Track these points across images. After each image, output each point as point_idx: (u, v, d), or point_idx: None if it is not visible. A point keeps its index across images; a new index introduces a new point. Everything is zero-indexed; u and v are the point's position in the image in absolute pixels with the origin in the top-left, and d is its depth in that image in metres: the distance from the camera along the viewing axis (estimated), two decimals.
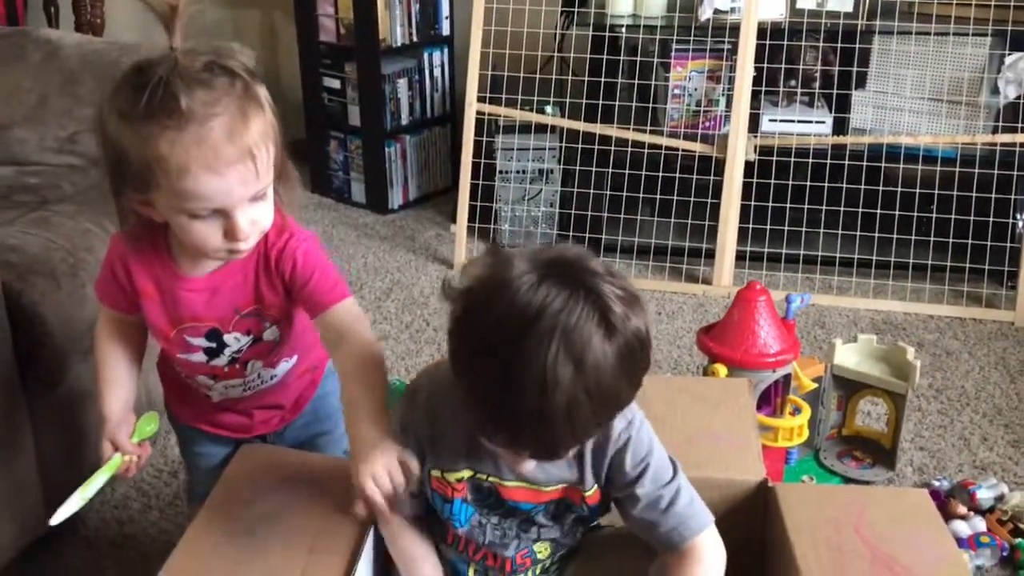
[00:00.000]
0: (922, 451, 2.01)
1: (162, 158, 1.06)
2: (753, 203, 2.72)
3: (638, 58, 2.75)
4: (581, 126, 2.78)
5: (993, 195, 2.59)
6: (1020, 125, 2.61)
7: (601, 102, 2.76)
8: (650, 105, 2.79)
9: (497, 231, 2.98)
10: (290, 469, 1.32)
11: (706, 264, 2.79)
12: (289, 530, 1.18)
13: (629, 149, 2.77)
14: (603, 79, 2.77)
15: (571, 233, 2.86)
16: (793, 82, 2.83)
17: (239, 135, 1.07)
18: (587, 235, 2.84)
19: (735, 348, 1.67)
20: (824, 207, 2.68)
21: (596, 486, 1.17)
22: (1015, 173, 2.64)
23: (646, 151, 2.76)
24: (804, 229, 2.71)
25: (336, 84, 3.28)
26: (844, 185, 2.66)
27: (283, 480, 1.28)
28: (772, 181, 2.71)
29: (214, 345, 1.28)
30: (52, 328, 1.57)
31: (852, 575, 1.15)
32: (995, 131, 2.67)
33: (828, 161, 2.70)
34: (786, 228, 2.71)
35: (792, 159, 2.71)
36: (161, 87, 1.06)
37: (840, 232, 2.69)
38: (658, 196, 2.76)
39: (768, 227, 2.72)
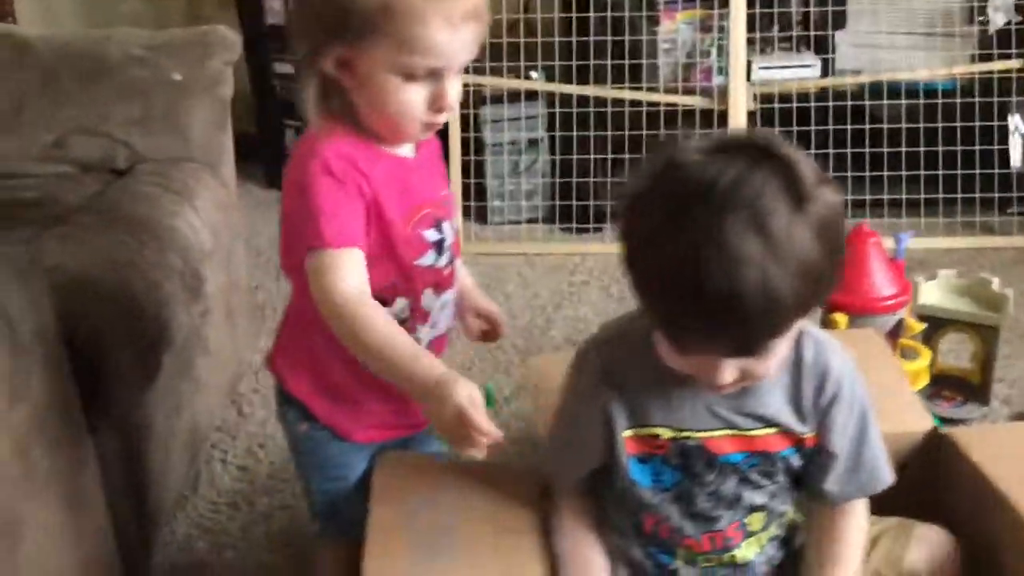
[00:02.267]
0: (1000, 382, 1.98)
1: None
2: None
3: (611, 13, 2.63)
4: (574, 89, 2.65)
5: (975, 124, 2.59)
6: (1008, 52, 2.62)
7: (587, 62, 2.64)
8: (644, 61, 2.68)
9: (487, 207, 2.83)
10: (432, 475, 1.22)
11: None
12: (470, 545, 1.09)
13: (627, 109, 2.66)
14: (574, 38, 2.64)
15: (573, 202, 2.74)
16: (777, 27, 2.77)
17: None
18: (590, 203, 2.71)
19: (855, 294, 1.59)
20: (830, 150, 2.63)
21: (812, 429, 1.07)
22: (1014, 99, 2.64)
23: (644, 110, 2.65)
24: None
25: (288, 69, 3.05)
26: (848, 127, 2.62)
27: (435, 488, 1.19)
28: (776, 129, 2.64)
29: (440, 237, 1.16)
30: (118, 354, 1.36)
31: None
32: (976, 59, 2.67)
33: (830, 103, 2.65)
34: None
35: (795, 104, 2.65)
36: None
37: (848, 174, 2.64)
38: None
39: None
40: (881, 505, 1.16)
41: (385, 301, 1.12)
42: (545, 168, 2.82)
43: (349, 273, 1.04)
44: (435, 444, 1.32)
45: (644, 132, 2.66)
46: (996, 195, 2.66)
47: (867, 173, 2.66)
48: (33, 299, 1.20)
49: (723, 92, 2.66)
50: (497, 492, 1.20)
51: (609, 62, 2.64)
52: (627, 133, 2.67)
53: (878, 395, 1.37)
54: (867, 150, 2.64)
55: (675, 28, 2.69)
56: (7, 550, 1.13)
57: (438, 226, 1.15)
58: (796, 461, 1.08)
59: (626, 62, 2.67)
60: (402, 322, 1.14)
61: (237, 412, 2.02)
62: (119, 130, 1.83)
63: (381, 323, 1.04)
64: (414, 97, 1.05)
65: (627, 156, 2.67)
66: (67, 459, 1.28)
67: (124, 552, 1.45)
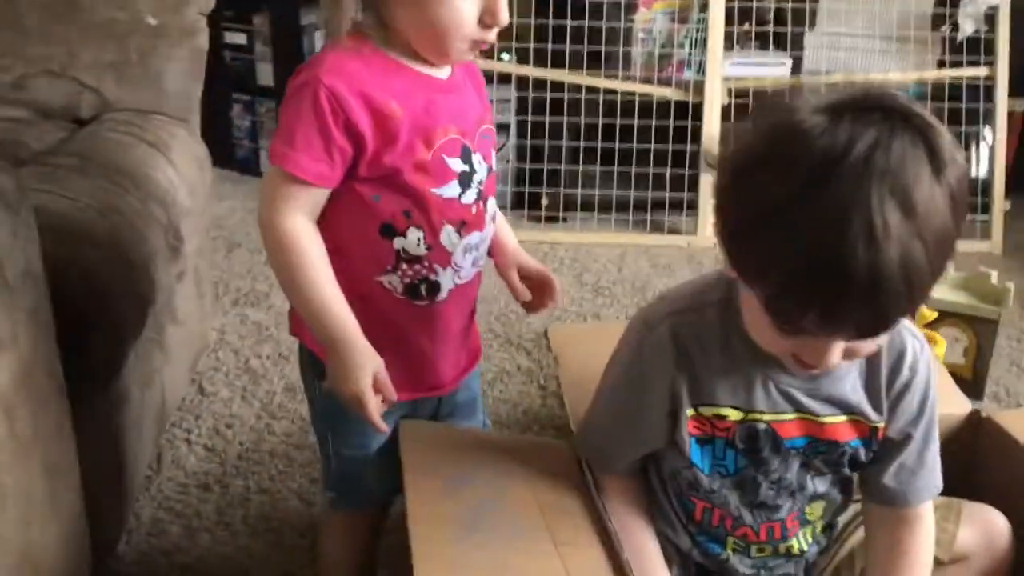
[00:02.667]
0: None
1: None
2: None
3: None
4: (547, 74, 2.58)
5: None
6: (976, 59, 2.66)
7: (561, 46, 2.57)
8: (620, 49, 2.62)
9: None
10: (464, 448, 1.14)
11: (686, 215, 2.67)
12: (516, 520, 1.01)
13: (600, 97, 2.60)
14: (550, 20, 2.57)
15: (543, 189, 2.65)
16: (748, 24, 2.75)
17: None
18: (560, 191, 2.63)
19: None
20: None
21: (885, 417, 1.00)
22: (981, 106, 2.67)
23: (618, 98, 2.60)
24: None
25: (241, 39, 2.89)
26: None
27: (468, 462, 1.10)
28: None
29: (467, 168, 1.05)
30: (110, 306, 1.21)
31: None
32: (945, 65, 2.70)
33: None
34: None
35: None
36: None
37: None
38: (634, 146, 2.60)
39: None
40: None
41: (396, 230, 1.03)
42: (513, 153, 2.74)
43: (301, 207, 1.00)
44: (462, 409, 1.22)
45: (617, 121, 2.60)
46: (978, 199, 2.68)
47: None
48: (21, 233, 1.05)
49: (698, 85, 2.62)
50: (533, 467, 1.12)
51: (585, 48, 2.58)
52: (600, 121, 2.60)
53: None
54: None
55: (651, 17, 2.64)
56: None
57: (466, 156, 1.05)
58: (863, 455, 1.02)
59: (602, 48, 2.61)
60: (418, 260, 1.05)
61: (199, 391, 1.86)
62: (87, 74, 1.66)
63: (315, 264, 1.00)
64: (465, 11, 0.97)
65: (599, 145, 2.60)
66: (51, 424, 1.13)
67: (95, 533, 1.29)
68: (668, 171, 2.63)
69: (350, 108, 0.97)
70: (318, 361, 1.11)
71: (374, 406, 0.99)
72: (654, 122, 2.60)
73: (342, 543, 1.23)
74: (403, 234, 1.04)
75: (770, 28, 2.71)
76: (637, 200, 2.65)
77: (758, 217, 0.82)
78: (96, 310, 1.19)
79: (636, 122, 2.60)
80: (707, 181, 2.62)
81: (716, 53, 2.58)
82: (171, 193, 1.53)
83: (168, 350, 1.59)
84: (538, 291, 1.21)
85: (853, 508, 1.12)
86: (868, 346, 0.88)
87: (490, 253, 1.21)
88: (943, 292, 1.84)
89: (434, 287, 1.07)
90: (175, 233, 1.48)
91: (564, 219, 2.67)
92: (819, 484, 1.04)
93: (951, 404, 1.31)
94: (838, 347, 0.86)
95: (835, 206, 0.77)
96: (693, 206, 2.65)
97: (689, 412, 0.99)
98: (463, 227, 1.06)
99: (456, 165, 1.04)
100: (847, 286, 0.78)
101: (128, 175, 1.44)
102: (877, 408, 1.00)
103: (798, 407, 0.98)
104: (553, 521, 1.03)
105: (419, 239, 1.04)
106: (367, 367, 0.99)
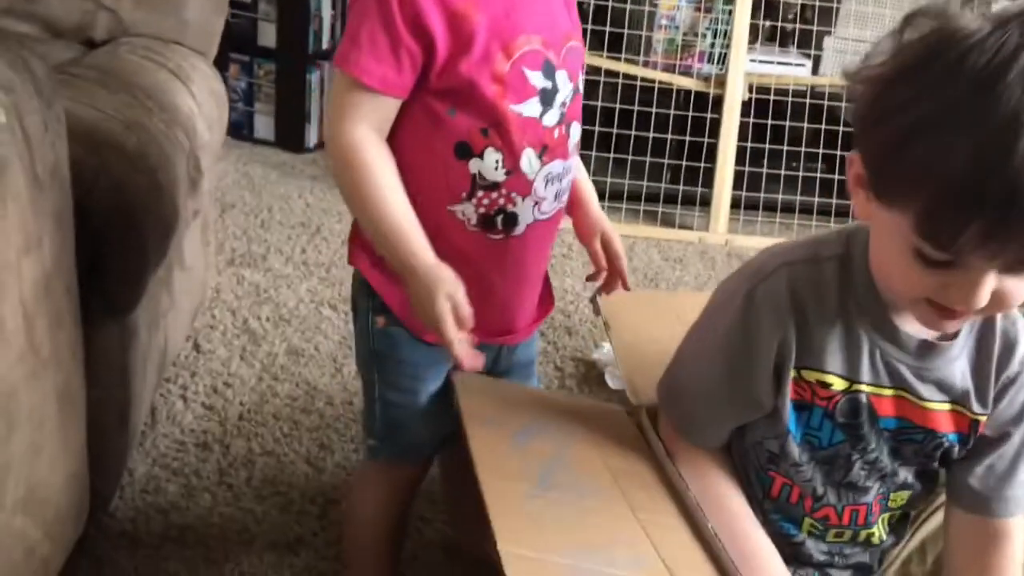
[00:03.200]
0: None
1: None
2: (749, 144, 2.55)
3: None
4: None
5: None
6: None
7: (584, 26, 2.48)
8: (643, 34, 2.54)
9: None
10: (523, 404, 1.05)
11: (698, 212, 2.60)
12: (587, 481, 0.93)
13: (620, 82, 2.51)
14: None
15: None
16: (768, 22, 2.69)
17: None
18: None
19: None
20: (820, 149, 2.56)
21: (988, 410, 0.92)
22: None
23: (638, 84, 2.52)
24: (801, 174, 2.57)
25: None
26: (841, 128, 2.55)
27: (529, 417, 1.02)
28: (769, 121, 2.55)
29: (549, 85, 0.95)
30: (136, 225, 1.09)
31: None
32: None
33: (824, 103, 2.58)
34: (783, 172, 2.56)
35: (790, 99, 2.56)
36: None
37: (836, 177, 2.56)
38: (651, 135, 2.52)
39: (765, 171, 2.56)
40: None
41: (472, 150, 0.94)
42: None
43: (367, 118, 0.91)
44: (519, 369, 1.12)
45: (635, 108, 2.52)
46: None
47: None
48: (52, 127, 0.93)
49: (719, 78, 2.55)
50: (596, 430, 1.04)
51: (607, 29, 2.50)
52: (617, 107, 2.52)
53: None
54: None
55: (676, 4, 2.56)
56: (2, 429, 0.85)
57: (549, 71, 0.95)
58: (957, 451, 0.93)
59: (624, 31, 2.53)
60: (496, 187, 0.95)
61: (194, 348, 1.73)
62: None
63: (383, 178, 0.91)
64: None
65: (613, 131, 2.52)
66: (65, 346, 1.00)
67: (96, 478, 1.17)
68: (683, 163, 2.55)
69: (422, 6, 0.88)
70: (373, 293, 1.02)
71: (454, 333, 0.89)
72: (672, 112, 2.53)
73: (378, 498, 1.12)
74: (480, 155, 0.94)
75: (795, 26, 2.65)
76: (649, 191, 2.57)
77: (916, 125, 0.74)
78: (121, 226, 1.07)
79: (654, 110, 2.52)
80: (721, 177, 2.55)
81: (740, 46, 2.52)
82: (193, 122, 1.41)
83: (174, 295, 1.47)
84: (608, 260, 1.12)
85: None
86: (1016, 292, 0.79)
87: (570, 212, 1.12)
88: None
89: (511, 219, 0.97)
90: (196, 164, 1.36)
91: None
92: (909, 473, 0.95)
93: None
94: (989, 281, 0.76)
95: (1006, 110, 0.70)
96: (706, 202, 2.57)
97: (792, 374, 0.90)
98: (545, 152, 0.97)
99: (537, 80, 0.95)
100: (1017, 193, 0.70)
101: (152, 97, 1.32)
102: (982, 399, 0.91)
103: (901, 384, 0.90)
104: (626, 487, 0.95)
105: (497, 162, 0.94)
106: (442, 289, 0.89)
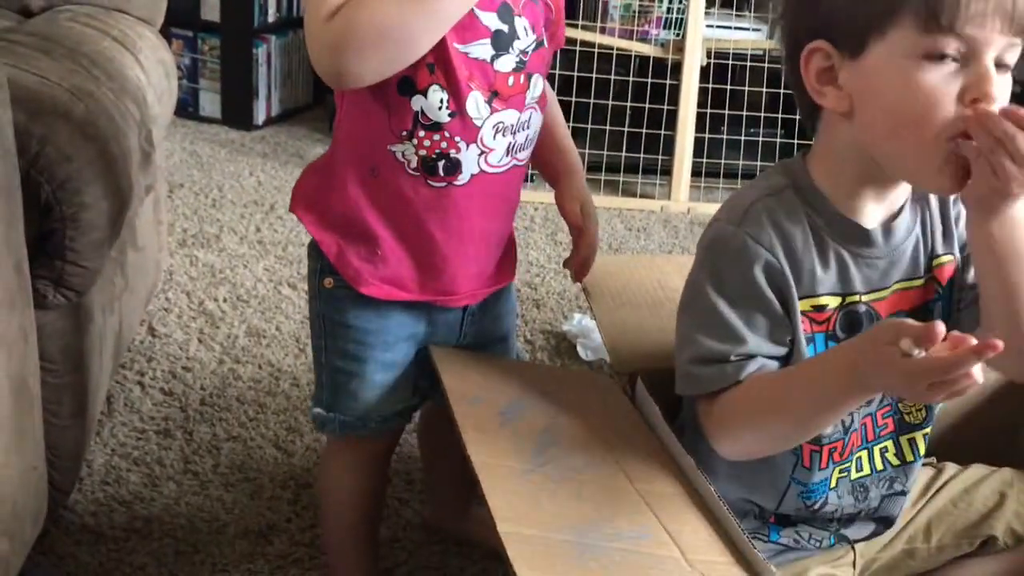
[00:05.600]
0: None
1: None
2: (709, 111, 2.52)
3: None
4: None
5: None
6: None
7: None
8: (599, 0, 2.49)
9: None
10: (507, 376, 1.03)
11: (659, 181, 2.57)
12: (581, 453, 0.90)
13: (577, 49, 2.46)
14: None
15: None
16: None
17: None
18: None
19: None
20: (779, 115, 2.53)
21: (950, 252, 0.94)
22: None
23: (595, 51, 2.47)
24: (761, 139, 2.55)
25: None
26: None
27: (514, 391, 0.99)
28: (728, 87, 2.52)
29: (505, 29, 0.91)
30: (88, 198, 1.01)
31: None
32: None
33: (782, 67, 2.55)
34: (743, 138, 2.53)
35: (748, 64, 2.54)
36: None
37: (795, 141, 2.54)
38: (609, 102, 2.48)
39: (724, 137, 2.53)
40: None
41: (415, 86, 0.89)
42: None
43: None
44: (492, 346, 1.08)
45: (593, 75, 2.48)
46: None
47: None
48: None
49: (678, 43, 2.52)
50: (581, 398, 1.01)
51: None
52: (575, 75, 2.47)
53: None
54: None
55: None
56: None
57: (505, 15, 0.91)
58: (942, 296, 0.93)
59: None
60: (439, 128, 0.91)
61: (148, 331, 1.66)
62: None
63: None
64: None
65: (572, 100, 2.47)
66: (15, 329, 0.93)
67: (53, 471, 1.10)
68: (643, 131, 2.51)
69: None
70: (320, 254, 0.98)
71: None
72: (631, 79, 2.49)
73: (341, 475, 1.08)
74: (423, 92, 0.90)
75: None
76: (609, 161, 2.53)
77: None
78: (71, 201, 1.00)
79: (612, 78, 2.48)
80: (681, 144, 2.51)
81: (697, 11, 2.48)
82: (143, 93, 1.33)
83: (127, 276, 1.39)
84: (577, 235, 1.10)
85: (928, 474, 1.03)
86: (1014, 53, 0.80)
87: (553, 178, 1.09)
88: None
89: (453, 165, 0.93)
90: (147, 136, 1.29)
91: (532, 178, 2.53)
92: None
93: None
94: (992, 67, 0.78)
95: None
96: (667, 171, 2.54)
97: (803, 306, 0.87)
98: (495, 98, 0.92)
99: (490, 21, 0.90)
100: None
101: (97, 65, 1.24)
102: (949, 238, 0.93)
103: (888, 278, 0.90)
104: (621, 457, 0.91)
105: (442, 101, 0.90)
106: None
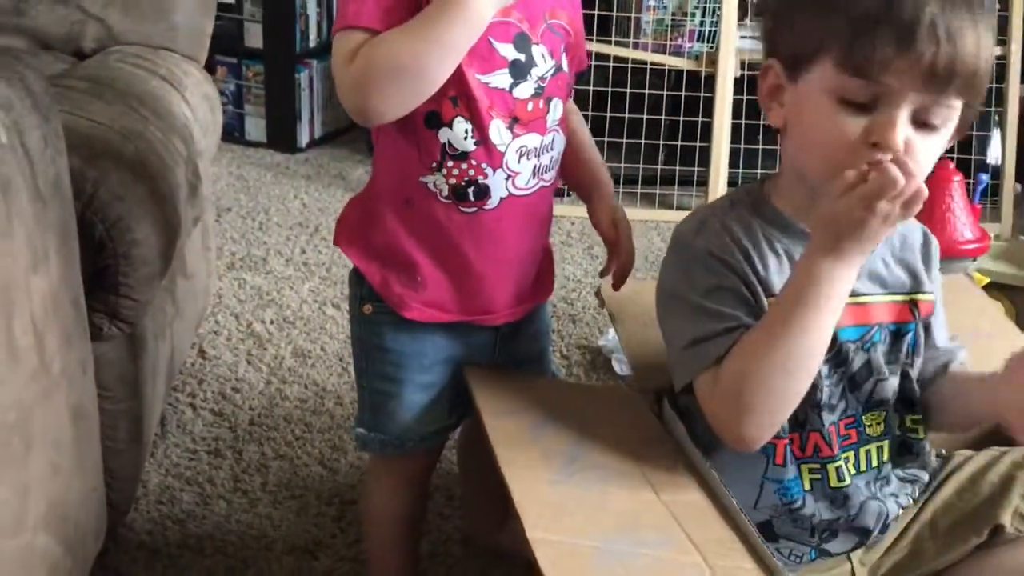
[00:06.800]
0: None
1: None
2: (744, 122, 2.54)
3: None
4: None
5: None
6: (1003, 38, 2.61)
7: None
8: (631, 15, 2.53)
9: None
10: (538, 393, 1.06)
11: (695, 192, 2.60)
12: (609, 466, 0.94)
13: (610, 65, 2.50)
14: None
15: None
16: None
17: None
18: None
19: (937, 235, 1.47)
20: None
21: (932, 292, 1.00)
22: (993, 86, 2.63)
23: (629, 66, 2.51)
24: None
25: None
26: None
27: (545, 407, 1.03)
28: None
29: (522, 58, 0.96)
30: (140, 236, 1.08)
31: None
32: None
33: None
34: (778, 148, 2.54)
35: None
36: None
37: None
38: (644, 117, 2.51)
39: (760, 147, 2.55)
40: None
41: (442, 119, 0.95)
42: None
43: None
44: (527, 365, 1.12)
45: (628, 91, 2.51)
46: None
47: None
48: (51, 142, 0.92)
49: (710, 56, 2.54)
50: (611, 415, 1.05)
51: (596, 13, 2.48)
52: (609, 91, 2.51)
53: (987, 340, 1.28)
54: None
55: None
56: (20, 450, 0.84)
57: (522, 44, 0.96)
58: (917, 330, 0.98)
59: (612, 15, 2.51)
60: (466, 157, 0.96)
61: (199, 354, 1.73)
62: (92, 2, 1.53)
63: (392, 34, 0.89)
64: None
65: (607, 115, 2.51)
66: (75, 362, 1.00)
67: (112, 493, 1.16)
68: (679, 144, 2.54)
69: None
70: (361, 280, 1.05)
71: None
72: (665, 93, 2.52)
73: (383, 492, 1.14)
74: (449, 124, 0.95)
75: None
76: (645, 174, 2.56)
77: None
78: (124, 239, 1.06)
79: (647, 92, 2.51)
80: (717, 155, 2.54)
81: (730, 23, 2.51)
82: (189, 129, 1.40)
83: (178, 304, 1.46)
84: (613, 250, 1.14)
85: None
86: (928, 143, 0.85)
87: (585, 194, 1.14)
88: (983, 262, 1.78)
89: (483, 191, 0.98)
90: (194, 170, 1.35)
91: (568, 193, 2.57)
92: (880, 388, 0.97)
93: None
94: (904, 119, 0.83)
95: None
96: (703, 182, 2.57)
97: (766, 302, 0.92)
98: (515, 124, 0.97)
99: (507, 52, 0.95)
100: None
101: (146, 105, 1.31)
102: (924, 278, 0.99)
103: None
104: (647, 469, 0.95)
105: (466, 131, 0.95)
106: None
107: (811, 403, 0.92)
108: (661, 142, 2.54)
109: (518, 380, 1.08)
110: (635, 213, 2.49)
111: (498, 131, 0.96)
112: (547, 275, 1.12)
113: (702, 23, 2.61)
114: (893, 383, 0.97)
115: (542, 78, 0.98)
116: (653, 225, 2.49)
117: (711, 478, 0.92)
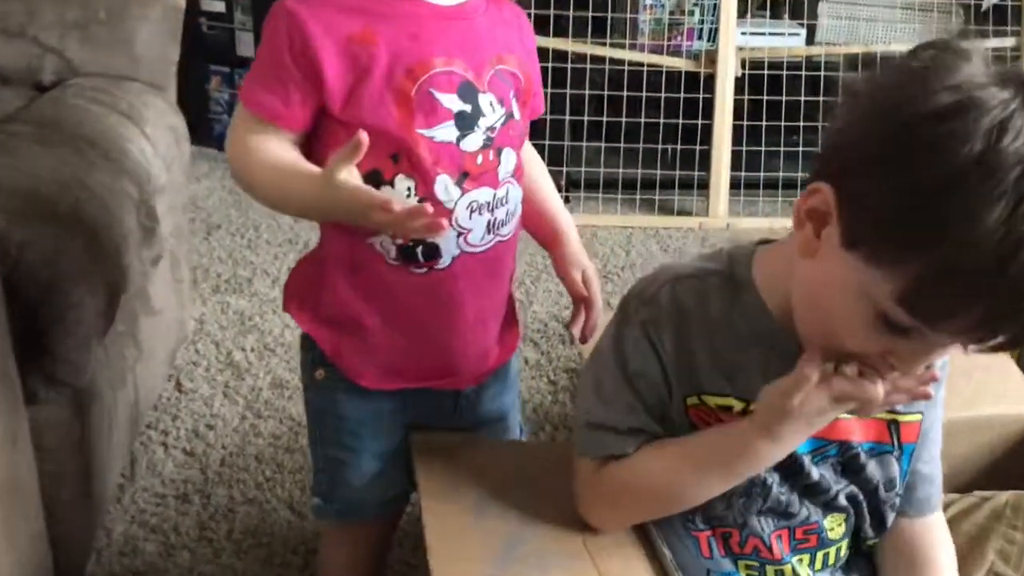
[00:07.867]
0: None
1: None
2: (746, 123, 2.46)
3: None
4: (550, 43, 2.40)
5: None
6: (1003, 29, 2.52)
7: (565, 12, 2.40)
8: (627, 16, 2.46)
9: None
10: (485, 462, 0.99)
11: (697, 196, 2.52)
12: (552, 550, 0.87)
13: (606, 67, 2.43)
14: None
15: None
16: None
17: None
18: (563, 169, 2.46)
19: None
20: (819, 123, 2.46)
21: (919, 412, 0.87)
22: None
23: (626, 69, 2.43)
24: (801, 148, 2.48)
25: (220, 7, 2.70)
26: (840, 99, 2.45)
27: (490, 482, 0.95)
28: (765, 97, 2.46)
29: (468, 108, 0.90)
30: (73, 298, 1.03)
31: None
32: (970, 36, 2.55)
33: (821, 73, 2.48)
34: (782, 149, 2.47)
35: (784, 72, 2.47)
36: None
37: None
38: (642, 120, 2.44)
39: (763, 148, 2.47)
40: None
41: (382, 178, 0.89)
42: None
43: (265, 141, 0.89)
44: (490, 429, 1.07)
45: (624, 93, 2.44)
46: None
47: None
48: None
49: (709, 55, 2.46)
50: (564, 480, 0.96)
51: (590, 14, 2.41)
52: (605, 93, 2.44)
53: (984, 377, 1.22)
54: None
55: None
56: None
57: (468, 94, 0.90)
58: (890, 466, 0.87)
59: (607, 15, 2.44)
60: None
61: (176, 387, 1.69)
62: (49, 34, 1.48)
63: (272, 152, 0.89)
64: None
65: (604, 119, 2.44)
66: (6, 435, 0.96)
67: (60, 556, 1.13)
68: (678, 147, 2.47)
69: (310, 35, 0.85)
70: (312, 345, 0.99)
71: (373, 193, 0.82)
72: (663, 94, 2.44)
73: (338, 561, 1.09)
74: (390, 183, 0.89)
75: None
76: (645, 178, 2.49)
77: (938, 199, 0.64)
78: (57, 302, 1.02)
79: (644, 94, 2.44)
80: (718, 158, 2.46)
81: (729, 20, 2.43)
82: (145, 168, 1.35)
83: (141, 344, 1.42)
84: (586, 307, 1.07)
85: None
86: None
87: (548, 247, 1.08)
88: None
89: (432, 251, 0.92)
90: (149, 212, 1.31)
91: (567, 199, 2.50)
92: (841, 492, 0.88)
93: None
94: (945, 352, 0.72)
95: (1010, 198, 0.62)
96: (704, 185, 2.50)
97: (689, 401, 0.83)
98: (465, 179, 0.90)
99: (451, 103, 0.89)
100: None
101: (96, 146, 1.27)
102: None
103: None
104: (597, 551, 0.88)
105: (409, 189, 0.89)
106: (339, 177, 0.83)
107: (752, 510, 0.85)
108: (659, 146, 2.46)
109: (469, 448, 1.01)
110: (634, 220, 2.43)
111: (445, 187, 0.90)
112: (510, 328, 1.06)
113: (701, 20, 2.52)
114: (857, 492, 0.88)
115: (491, 128, 0.92)
116: (652, 232, 2.42)
117: (662, 557, 0.87)
